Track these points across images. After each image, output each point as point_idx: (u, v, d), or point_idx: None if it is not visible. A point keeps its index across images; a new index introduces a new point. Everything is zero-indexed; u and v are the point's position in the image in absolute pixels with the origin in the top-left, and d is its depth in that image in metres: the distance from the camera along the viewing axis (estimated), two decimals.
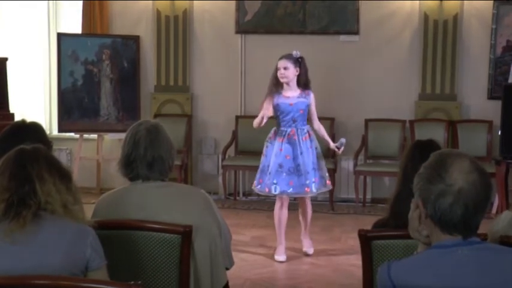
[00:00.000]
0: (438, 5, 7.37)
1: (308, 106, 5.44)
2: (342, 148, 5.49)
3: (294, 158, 5.37)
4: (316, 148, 5.48)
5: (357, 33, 7.58)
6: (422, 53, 7.47)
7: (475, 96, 7.46)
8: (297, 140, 5.38)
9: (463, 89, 7.50)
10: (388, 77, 7.58)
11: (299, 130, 5.41)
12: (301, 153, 5.37)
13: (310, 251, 5.67)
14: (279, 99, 5.39)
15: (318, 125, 5.58)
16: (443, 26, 7.39)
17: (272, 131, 5.53)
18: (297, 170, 5.36)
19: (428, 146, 2.69)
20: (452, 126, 7.38)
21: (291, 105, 5.38)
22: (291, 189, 5.39)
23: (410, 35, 7.54)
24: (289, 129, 5.40)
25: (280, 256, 5.48)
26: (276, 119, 5.49)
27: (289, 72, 5.36)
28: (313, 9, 7.59)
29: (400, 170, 2.81)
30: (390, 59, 7.56)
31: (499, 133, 6.56)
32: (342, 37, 7.64)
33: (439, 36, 7.40)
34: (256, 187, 5.54)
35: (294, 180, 5.37)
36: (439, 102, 7.49)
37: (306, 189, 5.38)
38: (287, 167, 5.37)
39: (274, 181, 5.37)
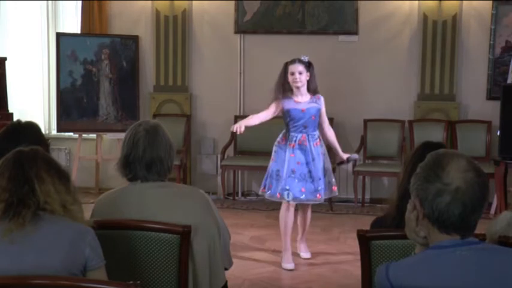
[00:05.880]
0: (437, 5, 7.37)
1: (319, 111, 5.34)
2: (350, 163, 5.44)
3: (306, 164, 5.25)
4: (324, 154, 5.38)
5: (356, 33, 7.58)
6: (421, 53, 7.47)
7: (474, 97, 7.46)
8: (308, 146, 5.27)
9: (462, 89, 7.50)
10: (387, 77, 7.58)
11: (310, 136, 5.29)
12: (313, 159, 5.26)
13: (307, 255, 5.61)
14: (290, 105, 5.27)
15: (329, 131, 5.47)
16: (442, 26, 7.39)
17: (281, 135, 5.41)
18: (309, 177, 5.26)
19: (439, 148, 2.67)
20: (451, 126, 7.38)
21: (303, 111, 5.26)
22: (303, 195, 5.26)
23: (410, 35, 7.54)
24: (299, 135, 5.28)
25: (289, 264, 5.32)
26: (285, 124, 5.37)
27: (303, 77, 5.26)
28: (312, 9, 7.59)
29: (405, 167, 2.79)
30: (389, 59, 7.56)
31: (498, 133, 6.56)
32: (341, 37, 7.63)
33: (438, 37, 7.40)
34: (266, 193, 5.38)
35: (306, 186, 5.26)
36: (438, 102, 7.49)
37: (318, 195, 5.28)
38: (299, 173, 5.24)
39: (287, 187, 5.23)
